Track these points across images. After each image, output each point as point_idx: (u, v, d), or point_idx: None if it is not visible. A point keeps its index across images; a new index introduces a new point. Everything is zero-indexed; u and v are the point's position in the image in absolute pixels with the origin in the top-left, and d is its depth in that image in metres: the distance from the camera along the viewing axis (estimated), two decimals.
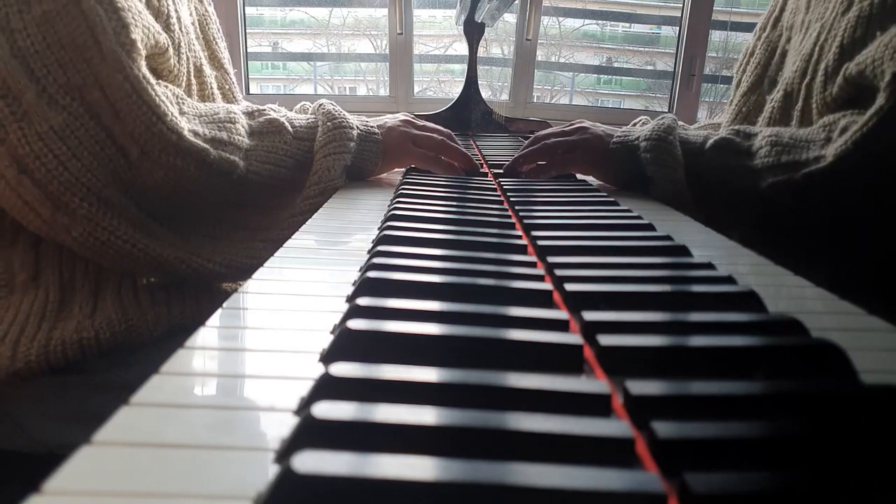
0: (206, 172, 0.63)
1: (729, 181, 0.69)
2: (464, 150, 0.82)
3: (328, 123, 0.72)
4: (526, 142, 0.84)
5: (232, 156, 0.64)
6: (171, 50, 0.66)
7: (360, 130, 0.74)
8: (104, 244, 0.60)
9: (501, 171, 0.82)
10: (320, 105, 0.75)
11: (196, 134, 0.62)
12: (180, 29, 0.71)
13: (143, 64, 0.59)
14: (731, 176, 0.69)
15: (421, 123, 0.82)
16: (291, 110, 1.14)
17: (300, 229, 0.54)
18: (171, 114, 0.60)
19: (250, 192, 0.68)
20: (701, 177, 0.70)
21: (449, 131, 0.84)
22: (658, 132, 0.72)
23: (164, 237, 0.64)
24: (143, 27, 0.60)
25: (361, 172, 0.77)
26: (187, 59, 0.73)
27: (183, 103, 0.64)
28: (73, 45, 0.57)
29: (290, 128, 0.71)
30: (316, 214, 0.60)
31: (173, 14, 0.68)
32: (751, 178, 0.67)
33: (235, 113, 0.68)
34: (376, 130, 0.76)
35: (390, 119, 0.81)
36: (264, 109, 0.72)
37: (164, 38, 0.65)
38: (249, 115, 0.70)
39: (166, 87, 0.63)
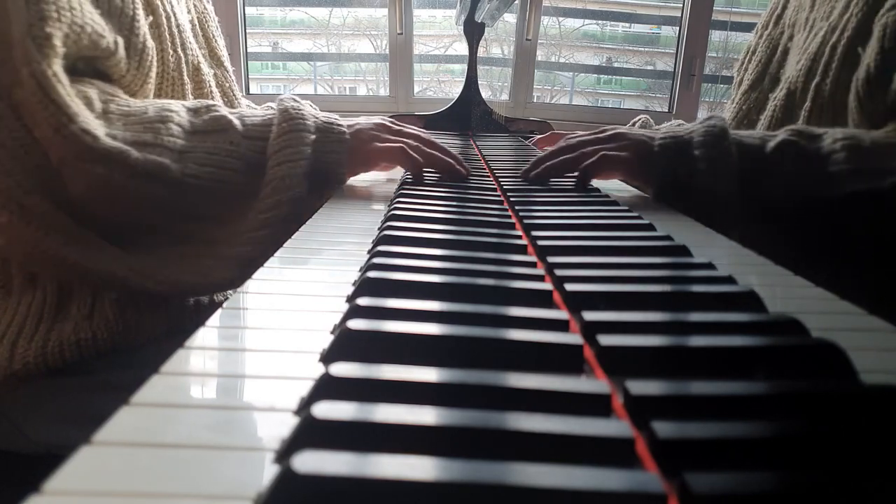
0: (133, 178, 0.56)
1: (796, 186, 0.63)
2: (445, 155, 0.73)
3: (283, 125, 0.63)
4: (552, 148, 0.75)
5: (160, 158, 0.58)
6: (121, 52, 0.62)
7: (321, 130, 0.65)
8: (30, 256, 0.57)
9: (520, 176, 0.75)
10: (280, 101, 0.66)
11: (114, 137, 0.56)
12: (173, 27, 0.70)
13: (56, 61, 0.54)
14: (798, 182, 0.63)
15: (397, 128, 0.73)
16: None
17: (300, 229, 0.54)
18: (84, 115, 0.55)
19: (193, 199, 0.61)
20: (760, 181, 0.64)
21: (431, 138, 0.75)
22: (713, 131, 0.65)
23: (103, 251, 0.58)
24: (71, 24, 0.55)
25: (329, 178, 0.67)
26: (179, 59, 0.71)
27: (110, 102, 0.59)
28: (3, 41, 0.53)
29: (238, 126, 0.63)
30: (316, 214, 0.60)
31: (141, 17, 0.64)
32: (825, 185, 0.62)
33: (172, 111, 0.61)
34: (343, 129, 0.67)
35: (363, 121, 0.73)
36: (213, 106, 0.64)
37: (109, 40, 0.60)
38: (195, 111, 0.63)
39: (91, 83, 0.59)
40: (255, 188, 0.62)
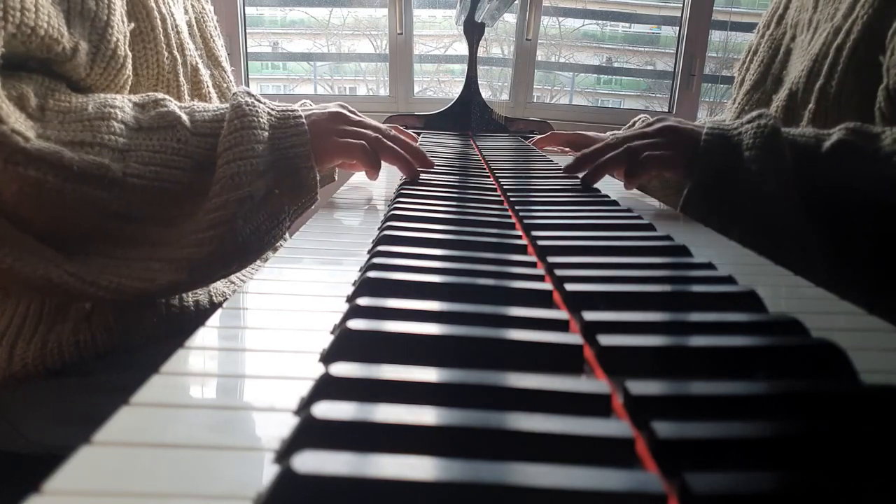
0: (68, 180, 0.53)
1: (853, 189, 0.60)
2: (403, 149, 0.70)
3: (235, 121, 0.59)
4: (596, 146, 0.73)
5: (99, 157, 0.54)
6: (80, 58, 0.59)
7: (276, 125, 0.61)
8: None
9: (563, 171, 0.73)
10: (234, 95, 0.62)
11: (47, 137, 0.53)
12: (168, 29, 0.69)
13: None
14: (856, 183, 0.60)
15: (356, 119, 0.69)
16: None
17: (300, 229, 0.54)
18: (15, 116, 0.51)
19: (136, 200, 0.57)
20: (815, 184, 0.60)
21: (392, 131, 0.72)
22: (764, 129, 0.61)
23: (39, 255, 0.55)
24: (20, 25, 0.53)
25: (296, 174, 0.61)
26: (175, 60, 0.70)
27: (49, 97, 0.56)
28: None
29: (187, 122, 0.59)
30: (316, 215, 0.60)
31: (117, 23, 0.62)
32: (885, 188, 0.59)
33: (115, 107, 0.57)
34: (301, 120, 0.63)
35: (318, 111, 0.68)
36: (162, 100, 0.60)
37: (67, 45, 0.57)
38: (142, 107, 0.59)
39: (30, 78, 0.56)
40: (205, 187, 0.59)
